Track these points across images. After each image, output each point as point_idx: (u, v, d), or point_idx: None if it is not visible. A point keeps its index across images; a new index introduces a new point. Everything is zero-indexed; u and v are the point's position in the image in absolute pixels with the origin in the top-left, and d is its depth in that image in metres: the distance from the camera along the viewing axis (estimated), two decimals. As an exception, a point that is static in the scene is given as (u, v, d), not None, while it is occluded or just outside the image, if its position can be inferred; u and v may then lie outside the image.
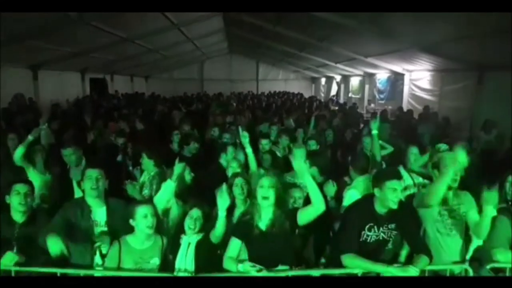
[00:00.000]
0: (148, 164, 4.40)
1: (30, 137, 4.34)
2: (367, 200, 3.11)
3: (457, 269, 3.08)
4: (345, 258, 2.89)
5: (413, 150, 4.41)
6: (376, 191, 2.96)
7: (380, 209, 2.99)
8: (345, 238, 3.02)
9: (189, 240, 3.13)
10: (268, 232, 2.94)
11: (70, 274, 2.82)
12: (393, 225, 3.03)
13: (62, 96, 11.87)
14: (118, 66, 15.65)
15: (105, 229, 3.14)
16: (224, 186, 3.12)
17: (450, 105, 10.05)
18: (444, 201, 3.17)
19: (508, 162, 4.49)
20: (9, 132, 5.34)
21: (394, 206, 2.88)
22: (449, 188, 3.13)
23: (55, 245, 2.73)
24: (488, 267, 2.93)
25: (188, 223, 3.14)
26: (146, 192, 4.19)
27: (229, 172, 4.05)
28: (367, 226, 2.99)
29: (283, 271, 2.86)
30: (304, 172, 2.86)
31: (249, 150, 4.25)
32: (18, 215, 3.13)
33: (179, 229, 3.23)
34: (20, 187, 3.12)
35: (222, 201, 2.97)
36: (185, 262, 3.06)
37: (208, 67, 23.82)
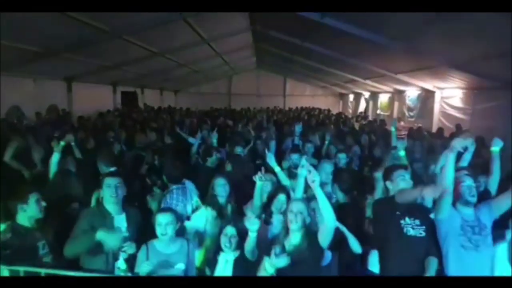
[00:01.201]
0: (165, 180, 4.44)
1: (62, 143, 4.54)
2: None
3: None
4: None
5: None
6: (388, 184, 3.32)
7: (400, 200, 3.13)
8: None
9: (226, 258, 3.19)
10: (295, 257, 2.89)
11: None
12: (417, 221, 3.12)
13: (94, 108, 12.25)
14: (148, 79, 16.08)
15: (127, 234, 3.19)
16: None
17: (483, 124, 9.68)
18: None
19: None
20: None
21: None
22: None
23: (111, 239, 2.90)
24: None
25: (223, 241, 3.20)
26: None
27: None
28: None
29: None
30: (316, 186, 2.81)
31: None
32: (111, 207, 3.29)
33: (217, 245, 3.30)
34: (110, 180, 3.30)
35: (252, 224, 2.99)
36: None
37: (236, 82, 24.08)
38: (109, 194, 3.24)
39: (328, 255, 3.32)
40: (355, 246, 3.26)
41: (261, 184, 3.73)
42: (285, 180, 4.23)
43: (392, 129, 5.51)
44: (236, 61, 18.96)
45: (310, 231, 2.97)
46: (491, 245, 3.09)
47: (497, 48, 6.60)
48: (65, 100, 11.30)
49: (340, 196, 4.09)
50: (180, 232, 3.37)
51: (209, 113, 15.68)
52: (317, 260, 2.99)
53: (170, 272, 3.02)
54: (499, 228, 3.27)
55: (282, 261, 2.75)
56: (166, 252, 3.13)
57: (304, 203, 3.08)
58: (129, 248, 3.04)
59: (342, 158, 5.60)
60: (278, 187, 3.89)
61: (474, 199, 3.16)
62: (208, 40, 11.75)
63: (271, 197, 3.65)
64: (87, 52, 9.10)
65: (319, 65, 15.44)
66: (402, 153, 4.69)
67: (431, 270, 2.94)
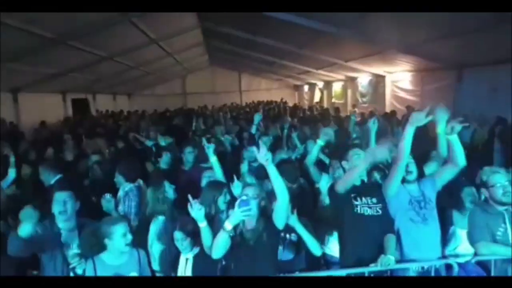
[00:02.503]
0: (120, 180, 4.38)
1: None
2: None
3: (440, 263, 3.11)
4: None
5: None
6: (345, 164, 3.53)
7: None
8: None
9: (186, 256, 3.14)
10: (247, 240, 2.90)
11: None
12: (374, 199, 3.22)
13: (44, 119, 11.64)
14: (99, 85, 15.47)
15: (77, 251, 3.08)
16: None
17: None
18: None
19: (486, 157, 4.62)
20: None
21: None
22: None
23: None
24: (473, 261, 2.99)
25: (177, 245, 3.13)
26: (121, 208, 4.15)
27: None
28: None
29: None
30: (269, 163, 2.78)
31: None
32: (61, 224, 3.15)
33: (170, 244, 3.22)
34: (58, 195, 3.15)
35: (196, 211, 2.92)
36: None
37: (191, 81, 23.74)
38: (58, 210, 3.07)
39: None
40: (315, 249, 3.23)
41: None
42: (219, 172, 4.18)
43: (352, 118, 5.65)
44: (188, 60, 18.68)
45: (265, 215, 2.96)
46: (436, 218, 3.19)
47: (440, 30, 6.92)
48: (12, 112, 10.68)
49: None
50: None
51: (163, 115, 15.45)
52: (275, 242, 3.01)
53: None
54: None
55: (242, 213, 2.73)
56: (115, 264, 2.98)
57: (257, 187, 3.07)
58: (79, 267, 2.97)
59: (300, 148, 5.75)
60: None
61: (412, 176, 3.23)
62: (157, 40, 11.48)
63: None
64: (31, 61, 8.65)
65: (272, 58, 15.58)
66: (357, 141, 4.85)
67: (391, 248, 3.02)
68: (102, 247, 2.99)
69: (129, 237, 2.97)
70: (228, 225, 2.76)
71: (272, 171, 2.78)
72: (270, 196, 3.05)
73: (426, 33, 7.41)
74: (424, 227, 3.13)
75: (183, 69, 20.63)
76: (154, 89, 22.62)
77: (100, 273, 2.91)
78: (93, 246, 3.03)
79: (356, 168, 3.11)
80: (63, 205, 3.08)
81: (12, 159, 5.04)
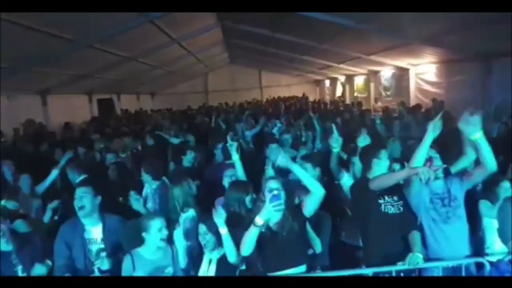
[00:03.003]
0: (146, 178, 4.45)
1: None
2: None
3: (470, 262, 3.03)
4: None
5: None
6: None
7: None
8: None
9: (210, 257, 3.13)
10: (279, 233, 2.91)
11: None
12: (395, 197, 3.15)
13: (71, 119, 12.00)
14: (123, 85, 15.81)
15: (102, 246, 3.17)
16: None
17: (457, 96, 9.91)
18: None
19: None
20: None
21: None
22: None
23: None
24: (506, 259, 2.89)
25: (201, 239, 3.14)
26: (149, 205, 4.25)
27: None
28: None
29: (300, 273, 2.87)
30: (289, 163, 2.85)
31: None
32: (83, 219, 3.27)
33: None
34: (77, 191, 3.26)
35: (218, 216, 2.94)
36: None
37: (212, 79, 24.00)
38: (77, 206, 3.16)
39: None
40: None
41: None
42: (240, 171, 4.15)
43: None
44: (209, 58, 18.82)
45: (289, 205, 2.97)
46: (463, 216, 3.10)
47: (465, 21, 6.71)
48: (41, 114, 11.03)
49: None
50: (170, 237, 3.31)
51: (184, 112, 15.62)
52: (303, 229, 3.02)
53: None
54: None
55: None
56: (153, 258, 3.07)
57: (279, 179, 3.06)
58: (102, 264, 3.03)
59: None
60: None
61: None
62: (178, 40, 11.63)
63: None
64: (58, 64, 8.89)
65: (292, 54, 15.48)
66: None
67: (417, 244, 2.99)
68: (140, 242, 3.09)
69: (165, 232, 3.07)
70: (259, 220, 2.76)
71: (297, 170, 2.84)
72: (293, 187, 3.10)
73: (449, 23, 7.19)
74: (447, 226, 3.06)
75: (204, 67, 20.80)
76: (176, 88, 22.91)
77: (138, 267, 2.99)
78: (132, 240, 3.14)
79: (398, 174, 3.07)
80: (80, 200, 3.16)
81: (62, 162, 5.19)
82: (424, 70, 11.88)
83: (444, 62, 10.59)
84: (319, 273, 3.06)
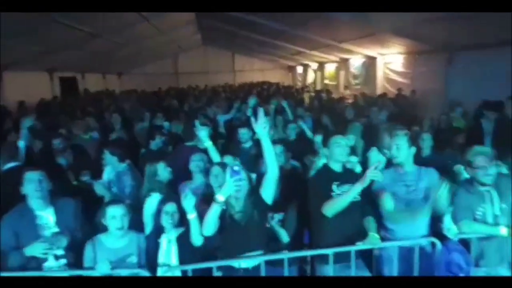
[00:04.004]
0: (111, 160, 4.31)
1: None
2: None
3: (424, 242, 3.15)
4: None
5: None
6: (325, 150, 3.30)
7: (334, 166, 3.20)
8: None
9: (169, 237, 3.08)
10: (239, 221, 2.89)
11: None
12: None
13: (29, 98, 11.35)
14: (88, 63, 15.18)
15: (57, 229, 3.04)
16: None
17: (423, 86, 10.19)
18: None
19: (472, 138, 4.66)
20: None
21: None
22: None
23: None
24: (456, 239, 3.03)
25: (165, 219, 3.08)
26: (115, 189, 4.10)
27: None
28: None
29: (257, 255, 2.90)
30: (265, 133, 2.76)
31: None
32: (34, 202, 3.10)
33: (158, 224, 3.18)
34: (31, 175, 3.08)
35: (187, 201, 2.88)
36: (168, 260, 3.03)
37: (183, 60, 23.40)
38: (34, 188, 2.99)
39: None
40: (284, 237, 3.24)
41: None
42: (216, 157, 4.10)
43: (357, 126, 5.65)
44: (180, 39, 18.36)
45: (252, 194, 2.92)
46: (423, 202, 3.17)
47: (433, 13, 6.83)
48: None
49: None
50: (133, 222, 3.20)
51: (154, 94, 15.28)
52: (265, 219, 3.02)
53: (122, 267, 2.89)
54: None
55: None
56: (115, 247, 2.97)
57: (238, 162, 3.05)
58: (57, 243, 2.92)
59: (292, 128, 5.74)
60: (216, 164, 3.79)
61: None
62: (148, 17, 11.23)
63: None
64: (16, 38, 8.38)
65: (265, 38, 15.35)
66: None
67: (373, 227, 3.06)
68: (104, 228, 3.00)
69: (120, 221, 2.93)
70: (220, 197, 2.71)
71: (267, 142, 2.77)
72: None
73: (419, 15, 7.30)
74: (406, 211, 3.16)
75: (175, 47, 20.31)
76: (145, 68, 22.20)
77: (100, 256, 2.89)
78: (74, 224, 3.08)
79: (350, 193, 3.00)
80: (38, 184, 3.00)
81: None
82: (392, 60, 12.09)
83: (411, 52, 10.81)
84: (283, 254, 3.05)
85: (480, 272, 3.08)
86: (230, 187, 2.71)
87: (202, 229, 2.85)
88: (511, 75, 6.76)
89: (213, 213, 2.75)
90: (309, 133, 5.98)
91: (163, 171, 3.83)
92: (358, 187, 2.92)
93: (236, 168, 2.75)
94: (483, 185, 3.08)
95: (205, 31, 18.33)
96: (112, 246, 2.97)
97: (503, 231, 2.99)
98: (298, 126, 5.99)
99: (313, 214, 3.22)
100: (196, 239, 2.94)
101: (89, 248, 2.94)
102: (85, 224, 3.26)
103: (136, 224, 3.25)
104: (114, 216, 2.93)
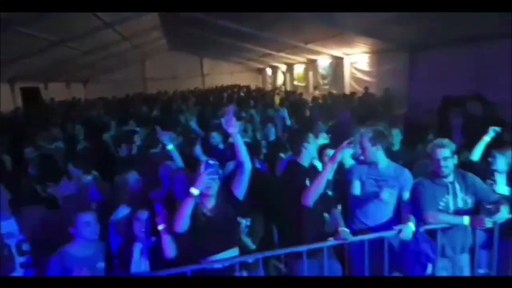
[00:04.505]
0: (76, 172, 4.28)
1: None
2: None
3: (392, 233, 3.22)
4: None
5: None
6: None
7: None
8: None
9: (141, 246, 3.02)
10: (212, 218, 2.87)
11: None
12: None
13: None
14: (51, 72, 14.72)
15: (22, 237, 2.99)
16: None
17: (388, 84, 10.48)
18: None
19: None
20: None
21: None
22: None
23: None
24: (421, 229, 3.14)
25: (138, 227, 3.02)
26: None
27: None
28: None
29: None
30: (234, 134, 2.80)
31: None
32: None
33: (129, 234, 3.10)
34: None
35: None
36: (140, 268, 2.96)
37: (150, 66, 23.02)
38: None
39: None
40: (250, 246, 3.31)
41: None
42: (179, 161, 4.10)
43: None
44: (146, 44, 18.11)
45: (222, 192, 2.92)
46: (392, 196, 3.27)
47: (399, 14, 7.01)
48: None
49: None
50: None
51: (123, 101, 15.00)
52: (237, 213, 3.04)
53: (91, 273, 2.82)
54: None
55: None
56: (84, 255, 2.90)
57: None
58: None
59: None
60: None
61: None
62: (112, 24, 11.02)
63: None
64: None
65: (233, 41, 15.35)
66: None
67: (341, 221, 3.17)
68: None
69: (95, 226, 2.91)
70: (195, 190, 2.69)
71: (238, 140, 2.81)
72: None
73: (382, 15, 7.50)
74: (374, 202, 3.28)
75: (141, 53, 19.99)
76: (111, 76, 21.59)
77: (70, 267, 2.80)
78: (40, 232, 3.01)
79: (324, 173, 3.06)
80: None
81: None
82: (357, 60, 12.37)
83: (375, 52, 11.10)
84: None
85: (444, 261, 3.22)
86: (204, 180, 2.71)
87: (175, 225, 2.77)
88: (472, 72, 7.04)
89: (188, 207, 2.71)
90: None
91: (135, 181, 3.77)
92: (330, 166, 3.01)
93: (211, 162, 2.77)
94: (445, 177, 3.20)
95: (171, 36, 18.12)
96: (81, 255, 2.89)
97: (467, 221, 3.10)
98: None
99: (284, 211, 3.27)
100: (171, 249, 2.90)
101: (55, 261, 2.84)
102: (49, 232, 3.18)
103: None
104: (88, 222, 2.89)
